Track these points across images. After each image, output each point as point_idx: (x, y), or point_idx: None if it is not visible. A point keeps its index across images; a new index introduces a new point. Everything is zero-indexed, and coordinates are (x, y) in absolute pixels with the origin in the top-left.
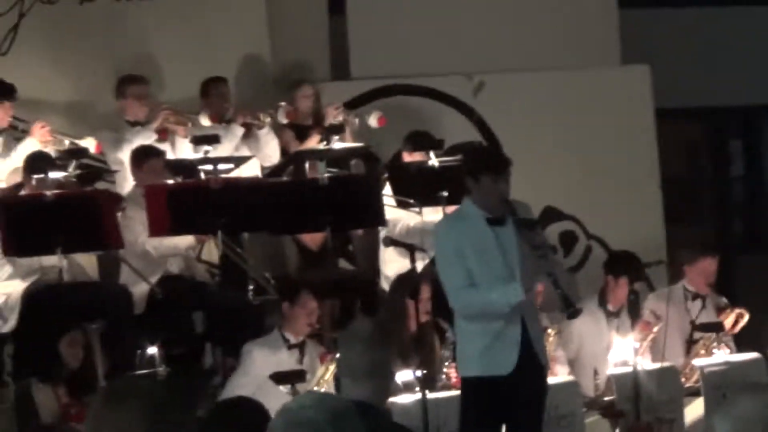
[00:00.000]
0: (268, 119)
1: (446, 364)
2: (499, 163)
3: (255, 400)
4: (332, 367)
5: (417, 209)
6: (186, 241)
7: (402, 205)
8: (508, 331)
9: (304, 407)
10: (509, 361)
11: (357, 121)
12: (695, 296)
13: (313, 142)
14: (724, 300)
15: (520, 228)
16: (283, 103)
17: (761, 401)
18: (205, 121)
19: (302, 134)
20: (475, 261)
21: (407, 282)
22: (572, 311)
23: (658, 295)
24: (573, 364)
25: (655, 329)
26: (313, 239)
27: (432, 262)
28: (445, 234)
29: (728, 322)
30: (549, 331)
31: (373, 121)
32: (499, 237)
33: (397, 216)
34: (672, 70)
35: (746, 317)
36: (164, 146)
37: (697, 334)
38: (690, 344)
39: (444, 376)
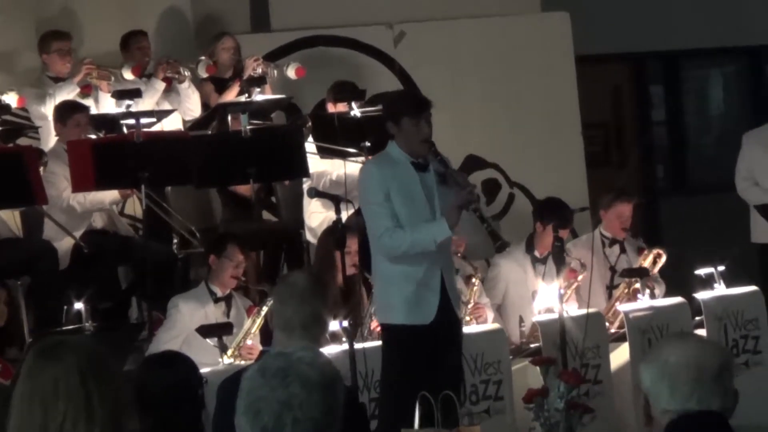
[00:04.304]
0: (188, 73)
1: (372, 314)
2: (418, 104)
3: (183, 353)
4: (259, 320)
5: (341, 159)
6: (111, 195)
7: (327, 152)
8: (429, 280)
9: (302, 361)
10: (431, 310)
11: (276, 72)
12: (612, 242)
13: (232, 95)
14: (641, 242)
15: (445, 168)
16: (203, 58)
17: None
18: (128, 75)
19: (222, 87)
20: (400, 204)
21: (334, 233)
22: (500, 244)
23: (576, 243)
24: (499, 310)
25: (580, 278)
26: (246, 188)
27: (357, 212)
28: (372, 176)
29: (647, 262)
30: (474, 280)
31: (291, 72)
32: (423, 181)
33: (322, 167)
34: (592, 16)
35: (664, 257)
36: (88, 101)
37: (617, 279)
38: (611, 290)
39: (369, 327)
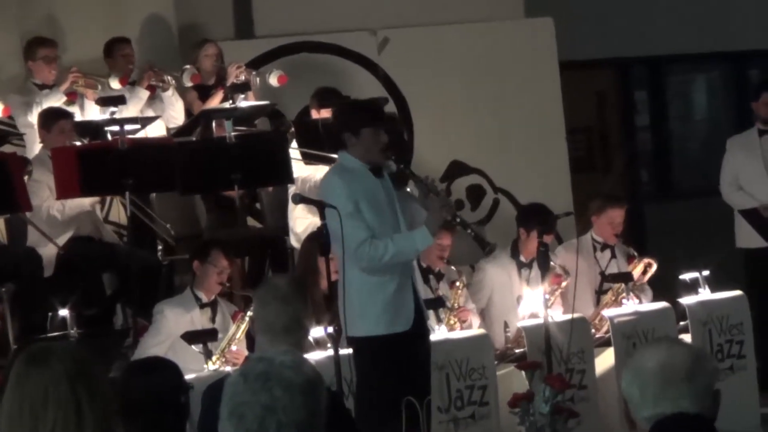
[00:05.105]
0: (172, 81)
1: None
2: (376, 114)
3: (168, 359)
4: (244, 326)
5: (326, 165)
6: (90, 198)
7: (311, 158)
8: (404, 283)
9: (284, 365)
10: (410, 315)
11: (258, 80)
12: (603, 247)
13: (216, 101)
14: (632, 250)
15: (412, 175)
16: (188, 66)
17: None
18: (115, 84)
19: (206, 94)
20: (369, 213)
21: (318, 239)
22: (489, 248)
23: (566, 247)
24: (483, 315)
25: (563, 284)
26: (233, 192)
27: None
28: (338, 187)
29: (637, 271)
30: (457, 284)
31: (273, 79)
32: (384, 186)
33: (307, 173)
34: (576, 21)
35: (654, 266)
36: (73, 109)
37: (605, 285)
38: (600, 295)
39: None
